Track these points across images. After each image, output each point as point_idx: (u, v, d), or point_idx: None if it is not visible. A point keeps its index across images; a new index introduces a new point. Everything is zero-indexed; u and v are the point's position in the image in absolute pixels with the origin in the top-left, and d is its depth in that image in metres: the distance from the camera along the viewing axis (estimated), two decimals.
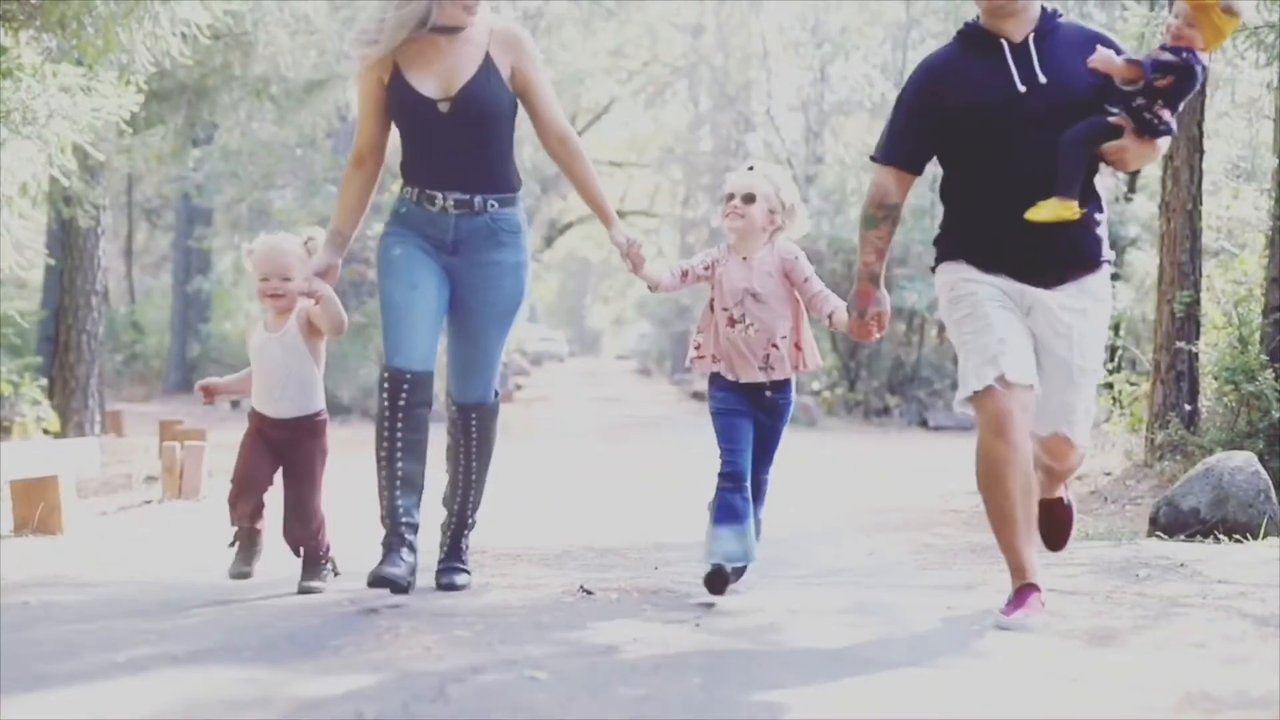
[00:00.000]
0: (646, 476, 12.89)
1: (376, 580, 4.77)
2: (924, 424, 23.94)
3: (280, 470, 5.33)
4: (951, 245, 4.88)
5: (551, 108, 5.25)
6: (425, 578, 5.21)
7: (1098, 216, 4.80)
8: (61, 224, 15.39)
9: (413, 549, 4.94)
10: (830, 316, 5.18)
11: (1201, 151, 10.41)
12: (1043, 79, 4.68)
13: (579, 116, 39.90)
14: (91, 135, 8.87)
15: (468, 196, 5.12)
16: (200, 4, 9.05)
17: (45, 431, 14.07)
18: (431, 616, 4.56)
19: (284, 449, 5.31)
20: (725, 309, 5.20)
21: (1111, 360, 13.19)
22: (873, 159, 4.98)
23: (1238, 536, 7.11)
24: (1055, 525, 5.36)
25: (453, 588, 5.26)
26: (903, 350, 26.10)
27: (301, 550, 5.35)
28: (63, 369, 15.43)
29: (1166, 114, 4.66)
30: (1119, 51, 4.68)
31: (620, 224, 5.21)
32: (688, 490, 10.09)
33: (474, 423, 5.33)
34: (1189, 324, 10.24)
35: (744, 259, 5.20)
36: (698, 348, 5.33)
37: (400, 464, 4.97)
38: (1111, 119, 4.66)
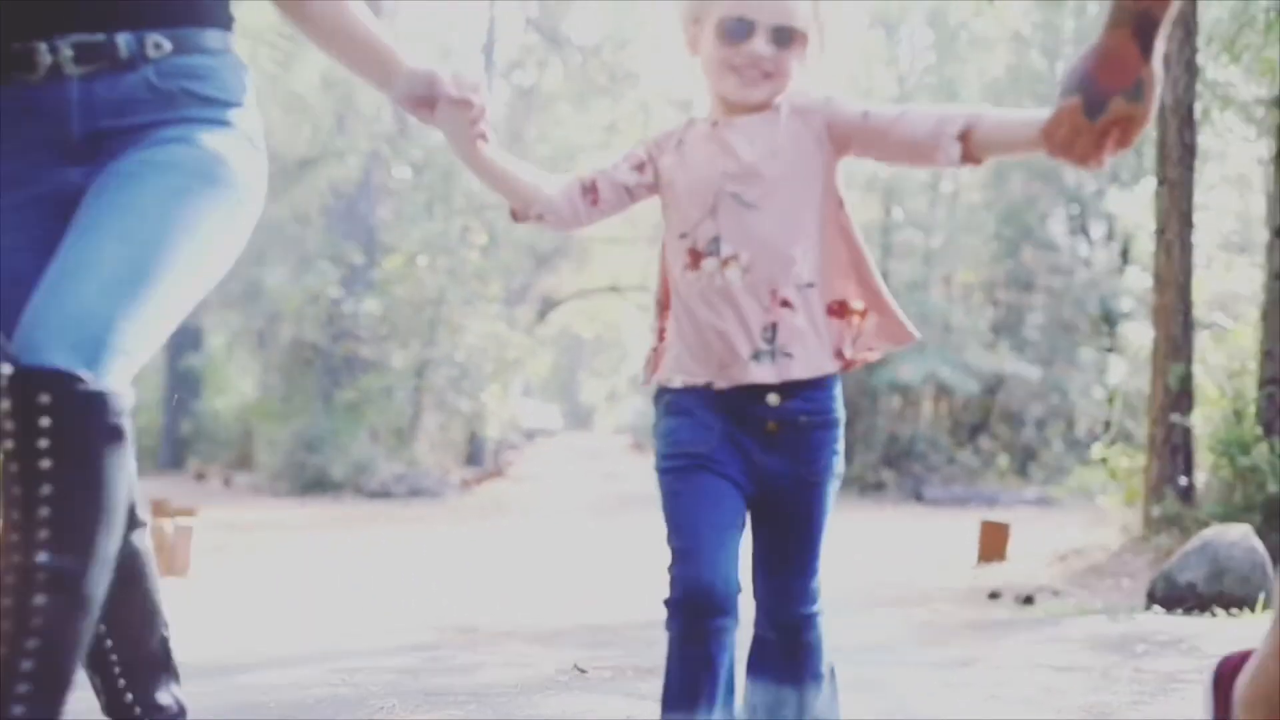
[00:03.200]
0: (640, 553, 12.81)
1: None
2: (919, 498, 23.88)
3: None
4: None
5: None
6: None
7: None
8: None
9: None
10: (966, 138, 2.36)
11: (1191, 225, 10.47)
12: None
13: None
14: None
15: (101, 37, 2.39)
16: None
17: None
18: (424, 696, 4.51)
19: None
20: (683, 234, 2.53)
21: (1106, 432, 13.20)
22: None
23: (1235, 610, 7.08)
24: None
25: None
26: (898, 425, 26.09)
27: None
28: None
29: None
30: None
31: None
32: None
33: (47, 413, 2.11)
34: (1184, 397, 10.25)
35: (713, 125, 2.55)
36: (660, 337, 2.63)
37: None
38: None
